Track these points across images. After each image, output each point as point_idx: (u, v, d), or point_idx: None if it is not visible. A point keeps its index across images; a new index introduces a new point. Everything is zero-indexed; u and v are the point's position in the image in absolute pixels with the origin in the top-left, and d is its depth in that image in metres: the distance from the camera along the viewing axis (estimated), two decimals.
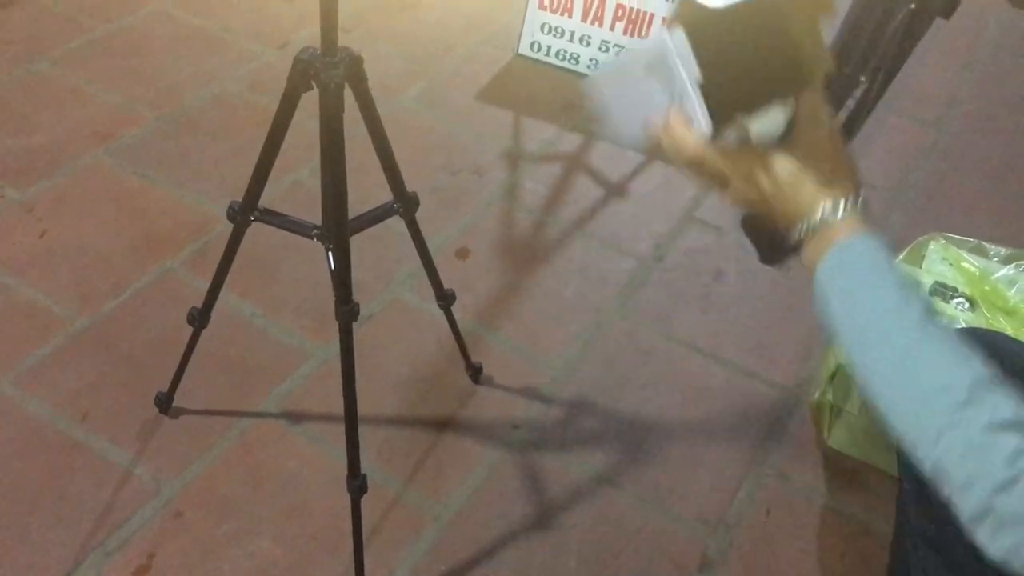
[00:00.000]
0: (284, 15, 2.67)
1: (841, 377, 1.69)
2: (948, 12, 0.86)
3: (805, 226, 0.83)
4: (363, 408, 1.41)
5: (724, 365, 1.86)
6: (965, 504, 0.72)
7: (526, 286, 1.98)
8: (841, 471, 1.70)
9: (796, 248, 0.87)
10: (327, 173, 1.15)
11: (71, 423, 1.64)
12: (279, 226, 1.31)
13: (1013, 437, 0.70)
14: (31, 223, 1.99)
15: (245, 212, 1.28)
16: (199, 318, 1.47)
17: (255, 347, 1.80)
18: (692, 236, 2.12)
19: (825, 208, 0.82)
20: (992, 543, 0.71)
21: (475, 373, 1.76)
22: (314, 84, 1.10)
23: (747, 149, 0.84)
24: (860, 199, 0.83)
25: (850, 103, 0.94)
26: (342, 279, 1.20)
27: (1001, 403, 0.72)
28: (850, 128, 0.91)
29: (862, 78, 0.90)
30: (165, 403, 1.65)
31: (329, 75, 1.08)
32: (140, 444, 1.62)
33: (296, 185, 2.12)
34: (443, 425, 1.71)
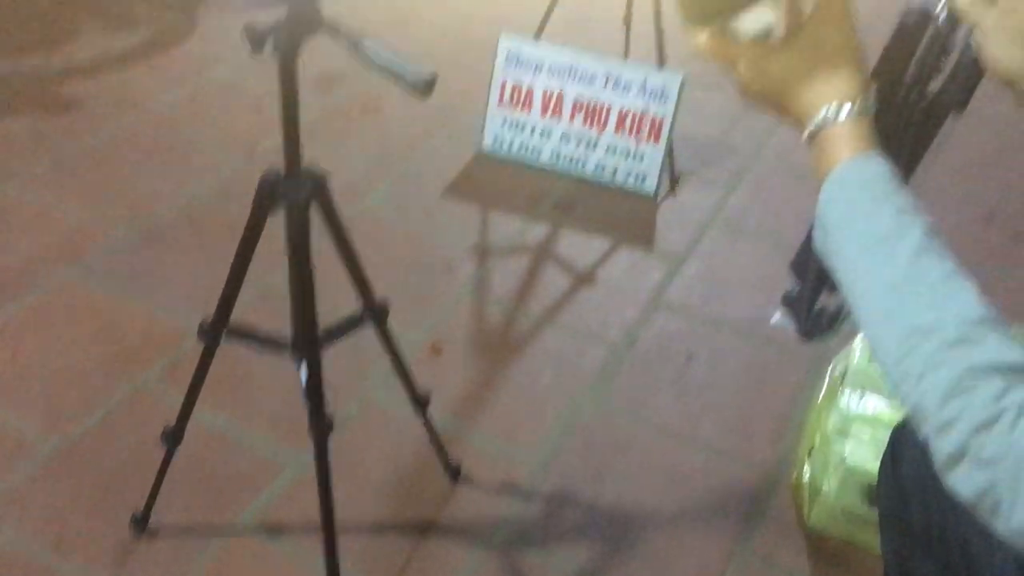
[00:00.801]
0: (251, 124, 2.72)
1: (818, 454, 1.70)
2: (961, 107, 0.89)
3: (810, 128, 0.81)
4: (341, 515, 1.40)
5: (701, 448, 1.87)
6: (943, 445, 0.69)
7: (500, 379, 1.99)
8: (824, 552, 1.69)
9: (833, 323, 0.89)
10: (296, 292, 1.17)
11: (44, 550, 1.61)
12: (250, 343, 1.32)
13: (997, 379, 0.68)
14: (1, 345, 1.98)
15: (215, 331, 1.29)
16: (172, 437, 1.46)
17: (230, 460, 1.78)
18: (661, 321, 2.15)
19: (829, 109, 0.79)
20: (965, 485, 0.69)
21: (454, 473, 1.76)
22: (280, 205, 1.11)
23: (750, 42, 0.83)
24: (869, 101, 0.80)
25: None
26: (315, 395, 1.20)
27: (989, 344, 0.70)
28: None
29: None
30: (140, 524, 1.63)
31: (294, 196, 1.10)
32: (115, 569, 1.59)
33: (267, 293, 2.13)
34: (424, 529, 1.69)
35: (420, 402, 1.57)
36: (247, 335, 1.31)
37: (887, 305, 0.74)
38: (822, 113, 0.80)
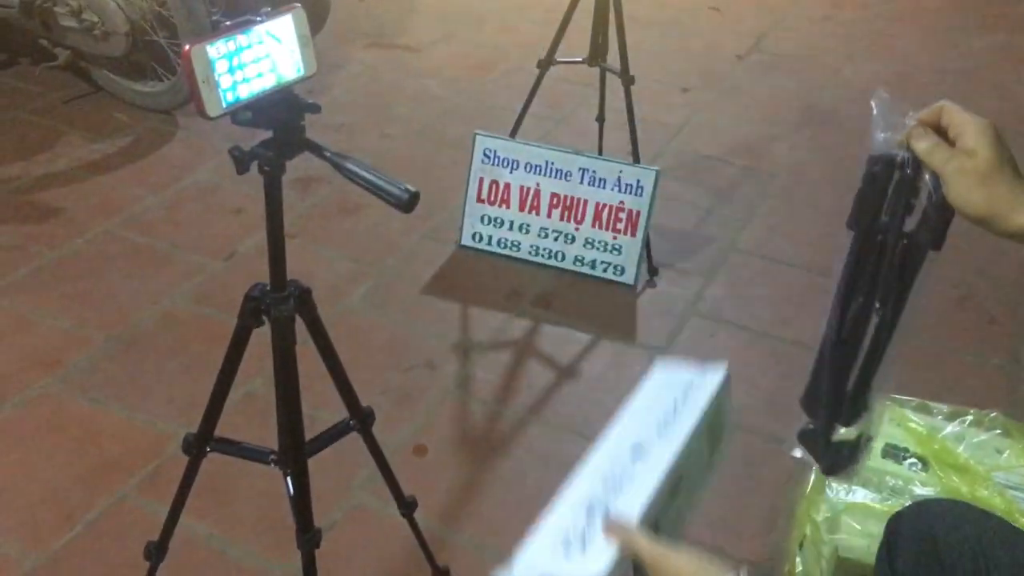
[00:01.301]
0: (230, 227, 2.74)
1: (810, 546, 1.69)
2: (936, 246, 0.92)
3: None
4: None
5: (690, 545, 1.85)
6: None
7: (486, 480, 1.97)
8: None
9: (855, 458, 0.90)
10: (282, 403, 1.17)
11: None
12: (235, 455, 1.31)
13: None
14: None
15: (200, 444, 1.28)
16: (156, 553, 1.44)
17: (215, 572, 1.75)
18: None
19: None
20: None
21: None
22: (265, 319, 1.12)
23: None
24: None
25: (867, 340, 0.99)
26: (302, 508, 1.19)
27: None
28: (870, 360, 0.96)
29: (876, 305, 0.96)
30: None
31: (279, 310, 1.11)
32: None
33: (249, 396, 2.12)
34: None
35: (407, 506, 1.55)
36: (232, 446, 1.29)
37: None
38: None
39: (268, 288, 1.14)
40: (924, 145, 0.91)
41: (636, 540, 0.87)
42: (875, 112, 0.91)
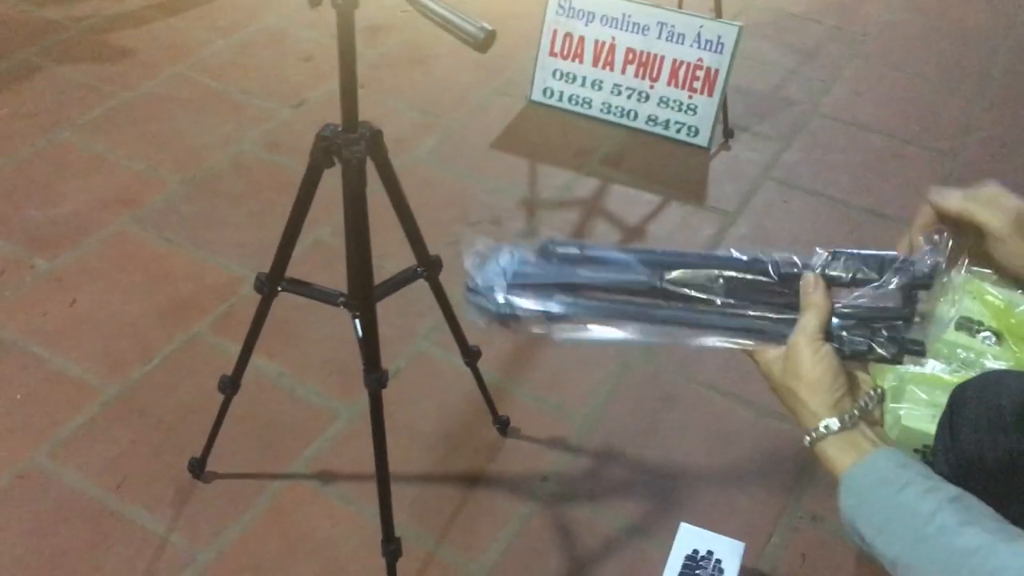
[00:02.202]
0: (300, 74, 2.72)
1: None
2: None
3: (808, 440, 0.86)
4: (393, 466, 1.42)
5: (749, 406, 1.86)
6: None
7: (545, 338, 1.98)
8: None
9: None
10: (352, 245, 1.17)
11: (106, 492, 1.66)
12: (306, 295, 1.33)
13: None
14: (60, 293, 2.02)
15: (272, 283, 1.30)
16: (230, 385, 1.49)
17: (283, 409, 1.81)
18: None
19: (817, 430, 0.84)
20: None
21: (502, 426, 1.77)
22: (336, 160, 1.11)
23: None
24: (856, 414, 0.84)
25: None
26: (370, 348, 1.21)
27: None
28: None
29: None
30: (198, 469, 1.67)
31: (351, 151, 1.10)
32: (175, 511, 1.64)
33: (318, 244, 2.15)
34: (473, 480, 1.71)
35: (470, 355, 1.57)
36: (303, 287, 1.31)
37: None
38: (812, 430, 0.85)
39: (340, 128, 1.13)
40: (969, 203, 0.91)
41: (815, 315, 0.86)
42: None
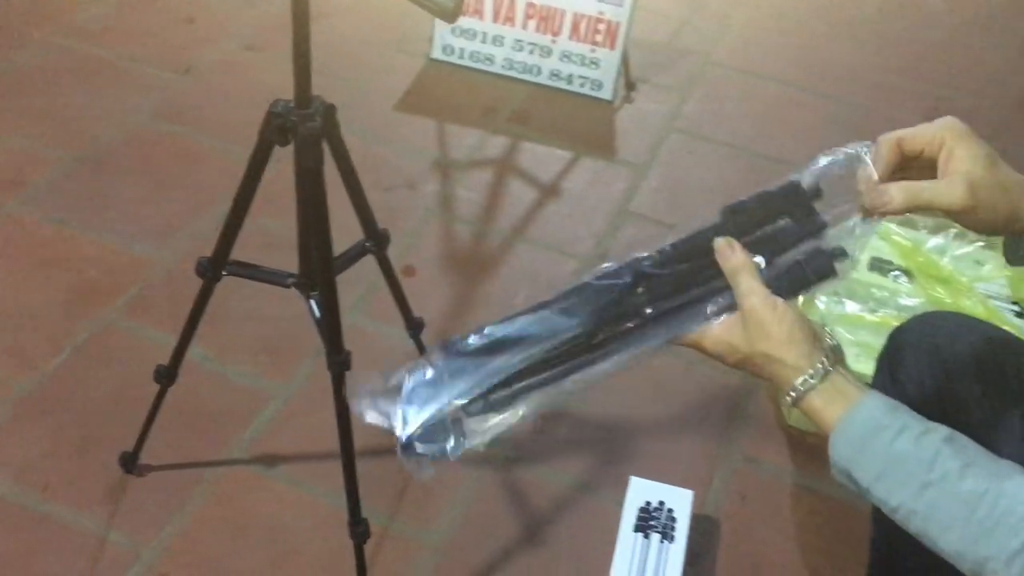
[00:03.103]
0: (183, 38, 2.58)
1: None
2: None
3: (791, 400, 0.85)
4: (337, 444, 1.39)
5: (680, 357, 1.90)
6: None
7: (477, 298, 1.98)
8: (804, 448, 1.76)
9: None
10: (309, 223, 1.13)
11: (32, 496, 1.56)
12: (252, 278, 1.27)
13: None
14: None
15: (216, 267, 1.24)
16: (167, 375, 1.42)
17: (214, 393, 1.75)
18: (630, 231, 2.16)
19: (805, 382, 0.84)
20: None
21: None
22: (290, 138, 1.06)
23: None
24: (817, 369, 0.84)
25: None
26: (332, 329, 1.17)
27: None
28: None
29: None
30: (130, 463, 1.59)
31: (307, 127, 1.05)
32: (110, 509, 1.56)
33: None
34: None
35: (415, 326, 1.55)
36: (250, 269, 1.26)
37: (971, 540, 0.77)
38: (797, 385, 0.84)
39: (292, 104, 1.08)
40: (923, 195, 0.87)
41: (749, 275, 0.86)
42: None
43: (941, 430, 0.81)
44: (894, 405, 0.83)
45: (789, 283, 0.87)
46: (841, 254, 0.87)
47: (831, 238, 0.88)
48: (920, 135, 0.90)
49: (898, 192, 0.86)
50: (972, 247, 1.85)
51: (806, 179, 0.88)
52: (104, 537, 1.52)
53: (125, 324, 1.85)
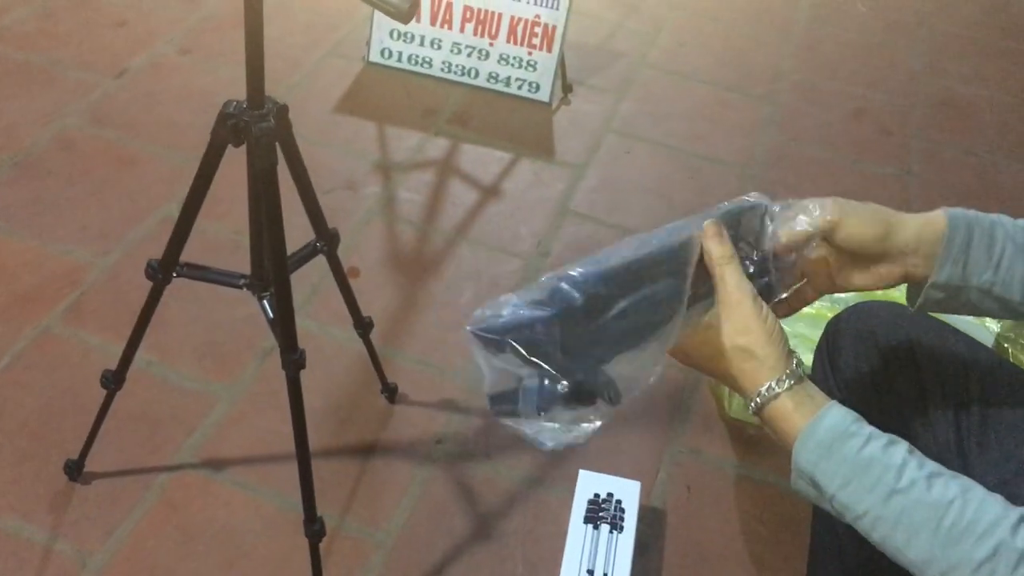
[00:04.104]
0: (116, 41, 2.54)
1: None
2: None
3: (753, 406, 0.85)
4: (284, 445, 1.40)
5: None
6: None
7: (422, 298, 1.99)
8: (745, 438, 1.81)
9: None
10: (263, 224, 1.13)
11: None
12: (204, 280, 1.27)
13: None
14: None
15: (167, 270, 1.24)
16: (114, 380, 1.41)
17: (159, 398, 1.73)
18: (571, 229, 2.19)
19: (780, 382, 0.84)
20: None
21: (391, 394, 1.77)
22: (243, 138, 1.07)
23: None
24: (793, 371, 0.84)
25: None
26: (286, 327, 1.18)
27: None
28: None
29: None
30: (75, 470, 1.57)
31: (260, 128, 1.06)
32: (55, 518, 1.54)
33: (169, 220, 2.04)
34: (368, 450, 1.71)
35: (363, 326, 1.56)
36: (201, 270, 1.26)
37: (939, 547, 0.78)
38: (773, 384, 0.84)
39: (245, 105, 1.08)
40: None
41: (738, 267, 0.85)
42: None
43: (903, 443, 0.82)
44: (857, 416, 0.83)
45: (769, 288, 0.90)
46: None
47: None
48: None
49: (783, 234, 0.91)
50: None
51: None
52: (49, 547, 1.50)
53: (65, 330, 1.82)
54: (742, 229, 0.90)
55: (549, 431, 0.77)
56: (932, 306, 0.98)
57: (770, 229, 0.91)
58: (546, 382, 0.74)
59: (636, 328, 0.80)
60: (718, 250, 0.86)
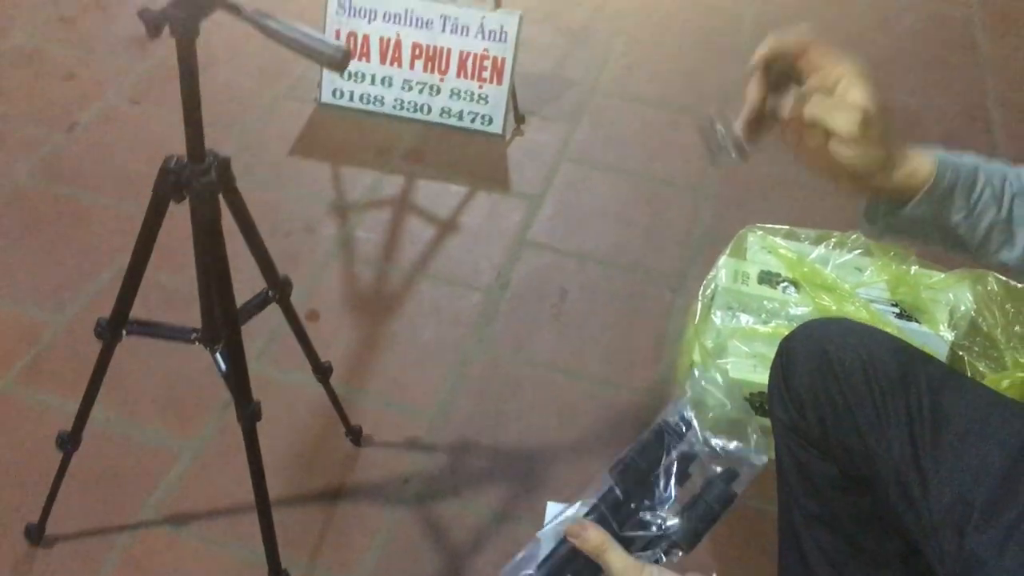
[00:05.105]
0: (65, 95, 2.53)
1: (699, 371, 1.81)
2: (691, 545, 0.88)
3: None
4: (249, 497, 1.38)
5: (587, 380, 1.95)
6: None
7: (383, 338, 1.99)
8: None
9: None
10: (210, 277, 1.13)
11: None
12: (155, 336, 1.26)
13: None
14: None
15: (116, 328, 1.23)
16: (70, 441, 1.39)
17: (119, 455, 1.71)
18: (529, 260, 2.20)
19: None
20: None
21: (355, 436, 1.76)
22: (185, 193, 1.07)
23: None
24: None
25: None
26: (239, 381, 1.17)
27: None
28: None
29: None
30: (36, 534, 1.54)
31: (201, 182, 1.06)
32: None
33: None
34: (334, 495, 1.69)
35: (323, 371, 1.55)
36: (151, 327, 1.25)
37: None
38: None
39: (186, 160, 1.08)
40: (816, 108, 0.96)
41: (615, 548, 0.84)
42: None
43: None
44: None
45: (699, 519, 0.86)
46: (734, 474, 0.87)
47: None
48: (793, 47, 0.99)
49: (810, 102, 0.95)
50: (852, 255, 1.95)
51: (671, 416, 0.88)
52: None
53: (21, 391, 1.79)
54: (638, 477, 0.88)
55: None
56: (885, 228, 1.03)
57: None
58: None
59: None
60: (590, 543, 0.84)
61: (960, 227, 1.00)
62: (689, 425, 0.89)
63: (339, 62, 0.96)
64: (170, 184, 1.07)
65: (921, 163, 0.99)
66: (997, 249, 1.01)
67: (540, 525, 1.53)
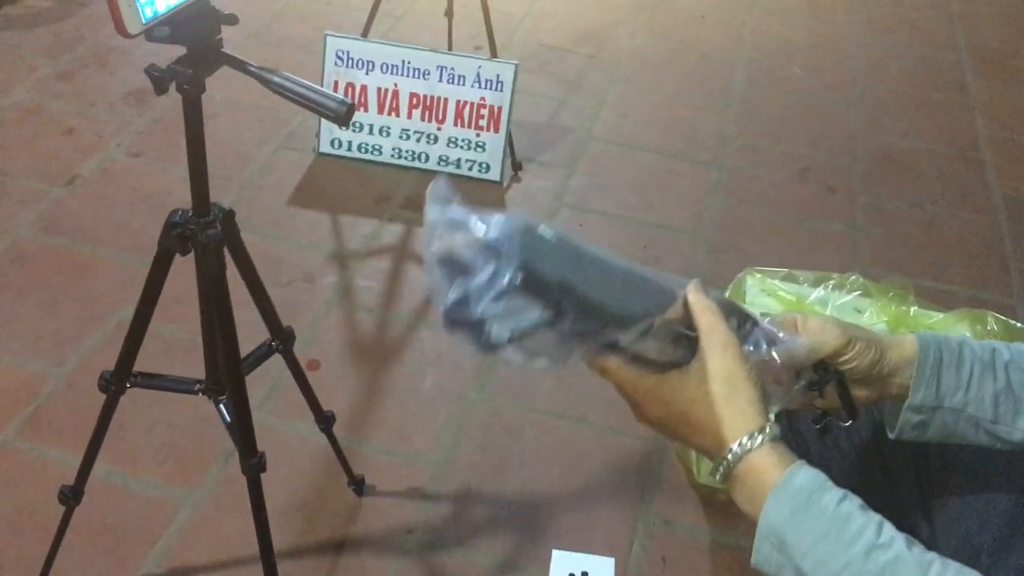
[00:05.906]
0: (64, 149, 2.55)
1: None
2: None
3: (725, 462, 0.82)
4: (252, 548, 1.37)
5: (590, 426, 1.94)
6: None
7: (384, 387, 1.99)
8: (716, 505, 1.81)
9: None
10: (215, 329, 1.13)
11: None
12: (159, 388, 1.26)
13: None
14: None
15: (120, 380, 1.23)
16: (73, 496, 1.38)
17: (121, 508, 1.70)
18: None
19: (764, 433, 0.81)
20: None
21: (358, 486, 1.75)
22: (191, 246, 1.08)
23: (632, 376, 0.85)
24: (768, 430, 0.81)
25: None
26: (245, 432, 1.17)
27: None
28: None
29: None
30: None
31: (207, 235, 1.07)
32: None
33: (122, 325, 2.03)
34: (338, 546, 1.68)
35: (325, 421, 1.55)
36: (155, 379, 1.25)
37: None
38: (755, 433, 0.81)
39: (191, 213, 1.09)
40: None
41: (717, 314, 0.84)
42: None
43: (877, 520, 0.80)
44: (821, 473, 0.81)
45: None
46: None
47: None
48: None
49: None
50: (851, 296, 1.96)
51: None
52: None
53: (22, 444, 1.78)
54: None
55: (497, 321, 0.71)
56: (909, 431, 1.00)
57: (764, 348, 0.89)
58: (499, 276, 0.68)
59: (603, 306, 0.75)
60: (705, 300, 0.85)
61: (969, 405, 0.97)
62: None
63: (343, 116, 0.97)
64: (175, 237, 1.07)
65: (904, 339, 0.99)
66: (1013, 419, 0.98)
67: (546, 572, 1.52)
